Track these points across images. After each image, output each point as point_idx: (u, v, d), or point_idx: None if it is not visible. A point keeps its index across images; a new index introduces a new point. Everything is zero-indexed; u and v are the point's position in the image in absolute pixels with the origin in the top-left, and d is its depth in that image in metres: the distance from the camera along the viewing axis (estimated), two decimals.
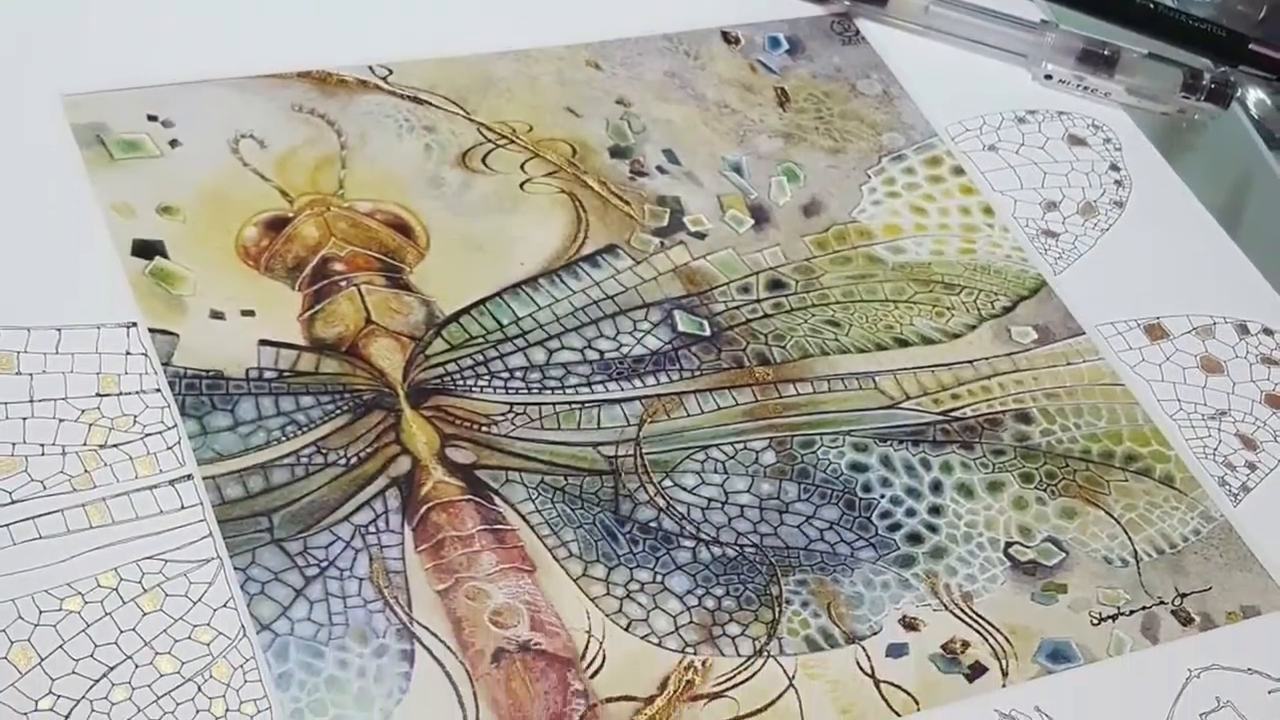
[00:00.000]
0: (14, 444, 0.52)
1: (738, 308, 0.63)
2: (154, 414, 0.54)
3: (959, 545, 0.58)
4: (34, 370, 0.54)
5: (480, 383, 0.58)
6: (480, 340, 0.59)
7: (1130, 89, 0.75)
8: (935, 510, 0.59)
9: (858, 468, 0.59)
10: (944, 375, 0.63)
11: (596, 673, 0.52)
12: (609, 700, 0.51)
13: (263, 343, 0.57)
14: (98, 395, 0.54)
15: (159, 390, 0.55)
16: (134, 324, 0.56)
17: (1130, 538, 0.60)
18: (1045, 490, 0.60)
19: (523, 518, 0.55)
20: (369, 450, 0.55)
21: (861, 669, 0.54)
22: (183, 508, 0.52)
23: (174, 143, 0.62)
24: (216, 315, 0.57)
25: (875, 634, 0.55)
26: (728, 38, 0.73)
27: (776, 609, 0.55)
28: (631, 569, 0.55)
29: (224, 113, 0.63)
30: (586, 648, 0.52)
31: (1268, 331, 0.68)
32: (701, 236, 0.65)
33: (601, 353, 0.60)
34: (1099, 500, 0.60)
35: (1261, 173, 0.76)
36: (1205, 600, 0.58)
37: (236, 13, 0.67)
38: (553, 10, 0.71)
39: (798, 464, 0.59)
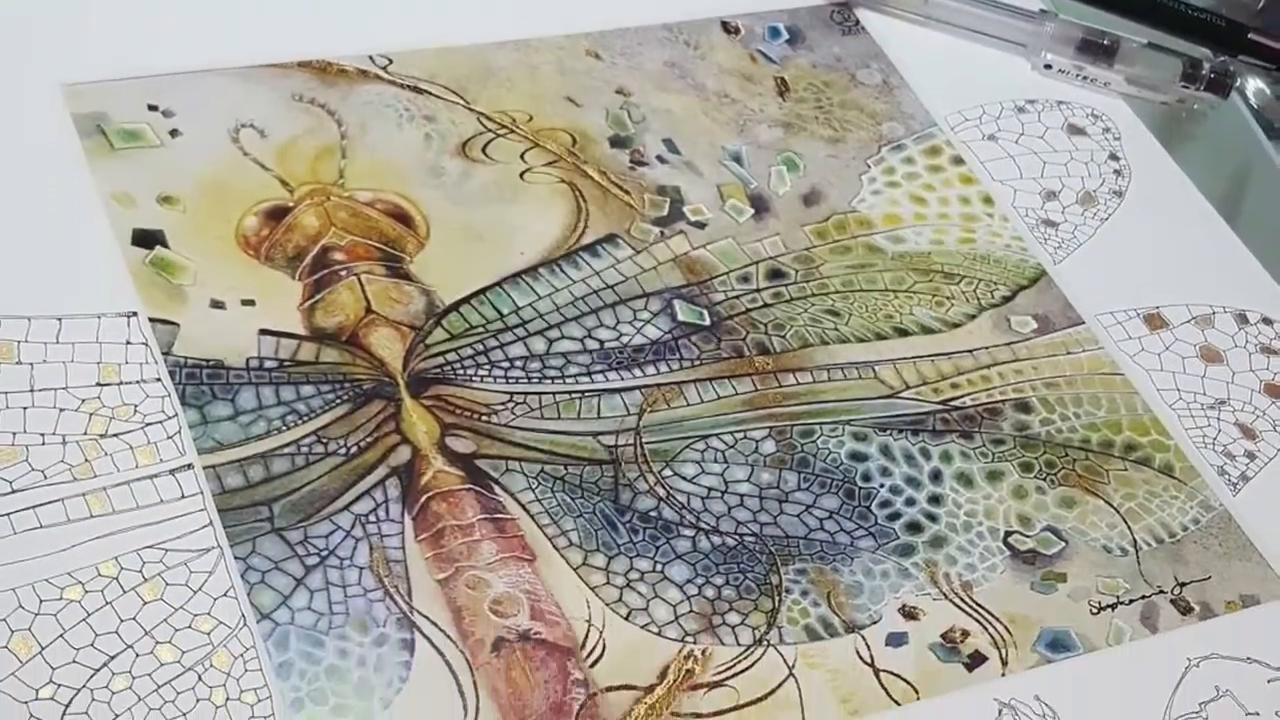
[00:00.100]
0: (15, 433, 0.52)
1: (737, 297, 0.63)
2: (154, 403, 0.54)
3: (958, 534, 0.58)
4: (34, 360, 0.54)
5: (480, 372, 0.58)
6: (480, 330, 0.59)
7: (1130, 78, 0.75)
8: (935, 499, 0.59)
9: (857, 457, 0.59)
10: (944, 364, 0.63)
11: (596, 662, 0.52)
12: (609, 689, 0.51)
13: (263, 332, 0.57)
14: (98, 385, 0.54)
15: (159, 379, 0.55)
16: (134, 313, 0.56)
17: (1130, 527, 0.60)
18: (1045, 479, 0.60)
19: (523, 507, 0.55)
20: (369, 439, 0.55)
21: (861, 658, 0.54)
22: (183, 497, 0.52)
23: (174, 132, 0.62)
24: (217, 305, 0.57)
25: (875, 623, 0.55)
26: (727, 27, 0.73)
27: (776, 598, 0.55)
28: (631, 558, 0.55)
29: (224, 102, 0.63)
30: (586, 637, 0.52)
31: (1267, 321, 0.68)
32: (701, 226, 0.65)
33: (601, 342, 0.60)
34: (1098, 489, 0.60)
35: (1261, 162, 0.76)
36: (1204, 589, 0.58)
37: (236, 2, 0.67)
38: (552, 0, 0.71)
39: (797, 453, 0.59)
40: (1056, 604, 0.57)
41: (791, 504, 0.57)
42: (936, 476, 0.59)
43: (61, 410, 0.53)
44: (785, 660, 0.53)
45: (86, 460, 0.52)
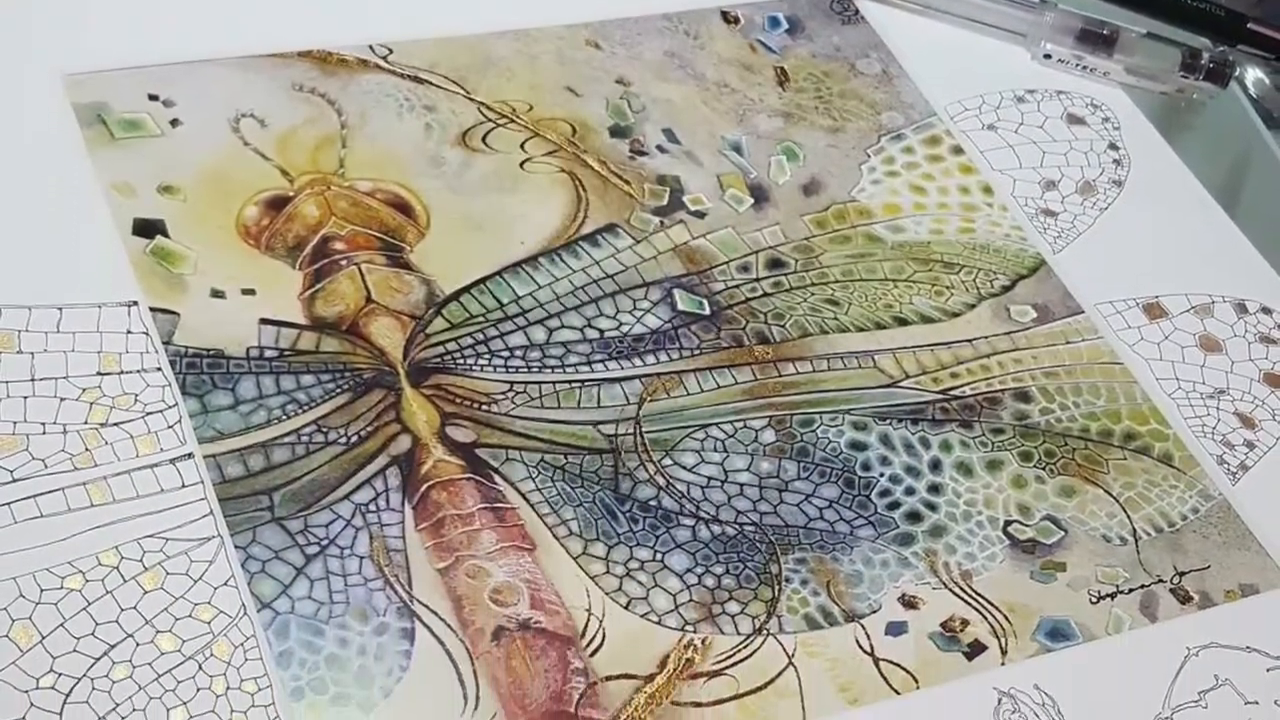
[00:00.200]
0: (15, 422, 0.52)
1: (737, 286, 0.63)
2: (155, 392, 0.54)
3: (958, 524, 0.58)
4: (35, 349, 0.54)
5: (480, 361, 0.58)
6: (480, 319, 0.59)
7: (1129, 68, 0.75)
8: (934, 489, 0.59)
9: (857, 446, 0.59)
10: (943, 354, 0.63)
11: (596, 651, 0.52)
12: (609, 678, 0.51)
13: (263, 321, 0.57)
14: (99, 374, 0.54)
15: (160, 369, 0.55)
16: (135, 303, 0.56)
17: (1129, 516, 0.60)
18: (1044, 469, 0.60)
19: (523, 496, 0.55)
20: (369, 429, 0.55)
21: (861, 647, 0.54)
22: (183, 486, 0.52)
23: (175, 122, 0.62)
24: (217, 294, 0.57)
25: (874, 612, 0.55)
26: (727, 17, 0.73)
27: (776, 587, 0.55)
28: (631, 547, 0.55)
29: (225, 92, 0.63)
30: (586, 626, 0.52)
31: (1266, 310, 0.68)
32: (701, 215, 0.65)
33: (601, 331, 0.60)
34: (1098, 479, 0.61)
35: (1260, 152, 0.76)
36: (1204, 578, 0.59)
37: None
38: None
39: (797, 442, 0.59)
40: (1056, 593, 0.57)
41: (791, 493, 0.57)
42: (936, 466, 0.59)
43: (62, 399, 0.53)
44: (785, 649, 0.53)
45: (87, 449, 0.52)
